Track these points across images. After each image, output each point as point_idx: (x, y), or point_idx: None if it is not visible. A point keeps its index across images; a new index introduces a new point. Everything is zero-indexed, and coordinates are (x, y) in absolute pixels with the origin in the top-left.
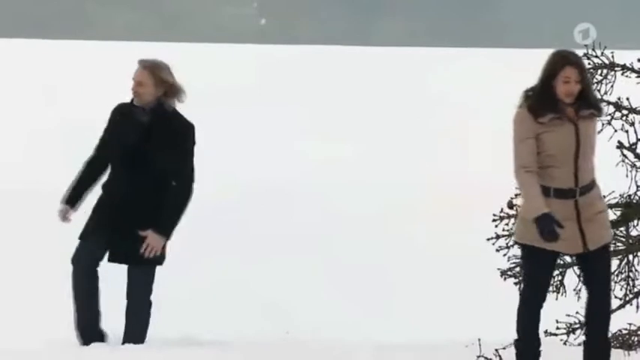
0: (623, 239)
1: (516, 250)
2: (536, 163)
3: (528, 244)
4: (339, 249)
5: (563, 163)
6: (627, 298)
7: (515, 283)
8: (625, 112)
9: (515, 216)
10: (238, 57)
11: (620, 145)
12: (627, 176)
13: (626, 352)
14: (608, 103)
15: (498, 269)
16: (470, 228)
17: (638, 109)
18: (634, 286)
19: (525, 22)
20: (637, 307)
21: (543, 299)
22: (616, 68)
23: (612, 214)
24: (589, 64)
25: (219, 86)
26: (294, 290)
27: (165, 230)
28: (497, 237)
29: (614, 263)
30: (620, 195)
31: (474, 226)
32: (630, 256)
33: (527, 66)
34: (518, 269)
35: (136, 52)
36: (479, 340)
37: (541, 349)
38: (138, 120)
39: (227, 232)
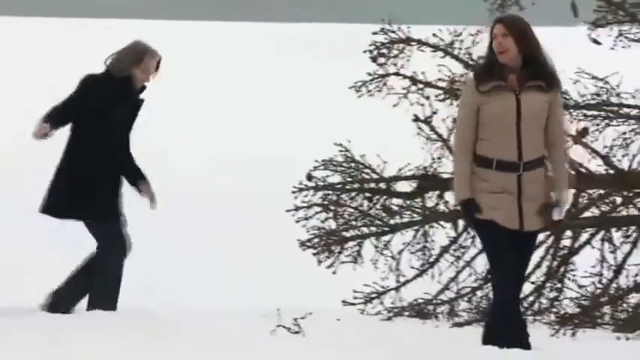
0: (420, 210)
1: (315, 221)
2: (474, 134)
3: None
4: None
5: (504, 135)
6: (424, 268)
7: (315, 254)
8: (421, 86)
9: (315, 187)
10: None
11: (416, 119)
12: (423, 149)
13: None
14: (405, 77)
15: (298, 240)
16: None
17: (433, 82)
18: (430, 256)
19: None
20: (432, 276)
21: (512, 269)
22: (412, 43)
23: (409, 186)
24: (385, 39)
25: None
26: None
27: None
28: (297, 208)
29: (410, 234)
30: (416, 167)
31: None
32: (426, 227)
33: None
34: (316, 240)
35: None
36: (278, 309)
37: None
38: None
39: None
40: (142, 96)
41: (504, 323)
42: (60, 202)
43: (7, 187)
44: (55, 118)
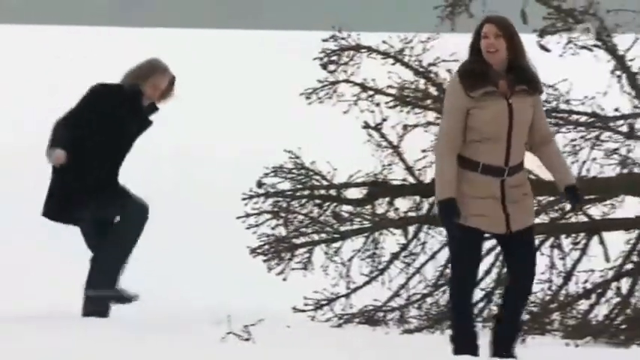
0: (370, 217)
1: (266, 229)
2: (462, 137)
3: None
4: None
5: (494, 140)
6: (374, 275)
7: (265, 260)
8: (371, 92)
9: (265, 194)
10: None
11: (366, 125)
12: (373, 155)
13: None
14: (355, 84)
15: (248, 247)
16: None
17: (383, 89)
18: (380, 263)
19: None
20: (382, 283)
21: (475, 279)
22: (362, 50)
23: (359, 193)
24: (335, 46)
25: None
26: None
27: None
28: (247, 215)
29: (360, 241)
30: (366, 174)
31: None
32: (376, 234)
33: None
34: (267, 247)
35: None
36: (228, 316)
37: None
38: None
39: None
40: (151, 117)
41: (462, 326)
42: (67, 205)
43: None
44: (64, 139)
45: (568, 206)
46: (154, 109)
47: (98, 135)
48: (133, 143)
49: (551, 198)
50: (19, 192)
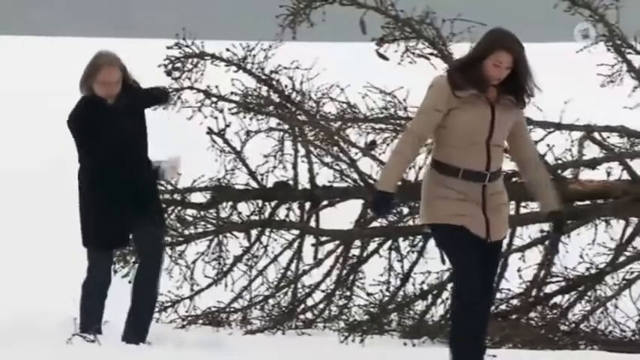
0: (214, 221)
1: None
2: (425, 140)
3: (438, 223)
4: None
5: (474, 145)
6: (217, 277)
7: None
8: (214, 99)
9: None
10: None
11: (210, 131)
12: (217, 160)
13: None
14: (199, 90)
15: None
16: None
17: (226, 96)
18: (224, 265)
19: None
20: (225, 285)
21: (480, 277)
22: (206, 57)
23: (203, 197)
24: (180, 53)
25: None
26: None
27: None
28: None
29: (204, 244)
30: (210, 178)
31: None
32: (220, 237)
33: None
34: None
35: None
36: (75, 319)
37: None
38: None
39: None
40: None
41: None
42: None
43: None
44: (91, 181)
45: (405, 210)
46: (129, 93)
47: (101, 154)
48: (143, 132)
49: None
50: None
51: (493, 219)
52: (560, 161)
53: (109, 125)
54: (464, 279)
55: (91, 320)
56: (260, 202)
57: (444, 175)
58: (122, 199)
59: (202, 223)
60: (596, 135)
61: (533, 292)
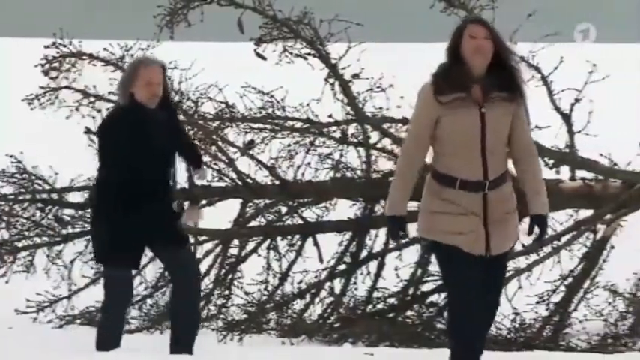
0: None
1: None
2: (427, 149)
3: (432, 239)
4: None
5: (468, 152)
6: (95, 277)
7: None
8: (92, 99)
9: None
10: None
11: (88, 131)
12: (94, 160)
13: None
14: (76, 90)
15: None
16: None
17: (104, 96)
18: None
19: None
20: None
21: (477, 300)
22: (83, 57)
23: (80, 197)
24: (57, 53)
25: None
26: None
27: None
28: None
29: (82, 244)
30: (88, 178)
31: None
32: None
33: None
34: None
35: None
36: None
37: None
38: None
39: None
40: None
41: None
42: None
43: None
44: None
45: (284, 209)
46: (166, 104)
47: (133, 166)
48: (174, 150)
49: (268, 201)
50: None
51: (495, 232)
52: None
53: (145, 135)
54: (454, 300)
55: (110, 340)
56: None
57: (441, 185)
58: (148, 218)
59: (80, 222)
60: None
61: (410, 291)
